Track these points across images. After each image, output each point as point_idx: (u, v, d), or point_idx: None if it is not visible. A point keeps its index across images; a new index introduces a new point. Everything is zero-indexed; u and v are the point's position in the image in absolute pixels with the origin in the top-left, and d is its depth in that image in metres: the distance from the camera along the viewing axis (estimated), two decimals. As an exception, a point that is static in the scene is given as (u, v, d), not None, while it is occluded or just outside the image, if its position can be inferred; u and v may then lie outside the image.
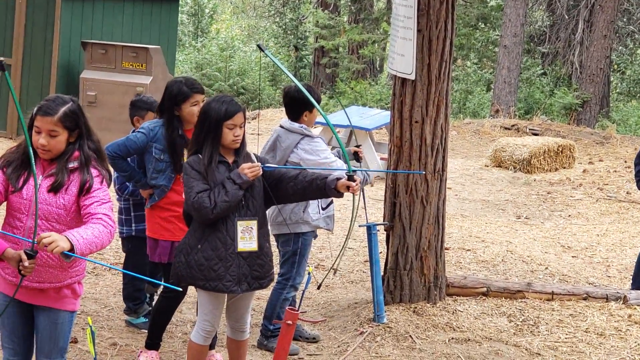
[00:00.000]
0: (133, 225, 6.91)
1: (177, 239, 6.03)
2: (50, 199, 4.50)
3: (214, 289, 5.41)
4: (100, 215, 4.43)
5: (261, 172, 5.41)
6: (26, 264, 4.22)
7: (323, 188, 5.42)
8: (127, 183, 6.72)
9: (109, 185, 4.65)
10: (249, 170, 5.35)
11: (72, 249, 4.15)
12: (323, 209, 6.71)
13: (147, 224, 6.35)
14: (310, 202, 6.59)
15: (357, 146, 6.90)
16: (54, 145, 4.53)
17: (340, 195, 5.47)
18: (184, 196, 5.52)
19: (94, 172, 4.57)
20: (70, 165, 4.55)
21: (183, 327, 7.10)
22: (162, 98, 6.25)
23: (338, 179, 5.40)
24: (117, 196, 6.93)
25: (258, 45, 5.60)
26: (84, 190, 4.51)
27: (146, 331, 6.51)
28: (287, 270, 6.73)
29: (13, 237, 4.45)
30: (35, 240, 4.17)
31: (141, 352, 6.31)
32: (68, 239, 4.16)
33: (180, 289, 5.65)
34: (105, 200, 4.53)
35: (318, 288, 6.76)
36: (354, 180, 5.37)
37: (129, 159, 6.33)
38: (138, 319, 7.03)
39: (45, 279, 4.56)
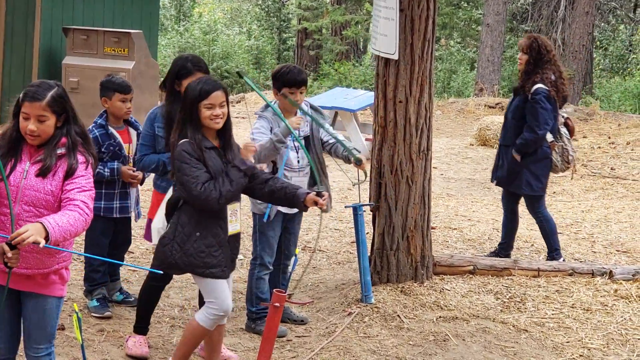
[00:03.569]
0: None
1: None
2: (38, 184, 4.49)
3: (213, 275, 5.37)
4: (78, 202, 4.44)
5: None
6: (9, 255, 4.22)
7: (292, 199, 5.49)
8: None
9: (94, 171, 4.64)
10: (248, 151, 5.42)
11: (47, 236, 4.18)
12: None
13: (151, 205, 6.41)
14: None
15: (358, 163, 6.79)
16: (43, 130, 4.52)
17: (305, 209, 5.61)
18: (177, 185, 5.43)
19: (80, 157, 4.57)
20: (58, 151, 4.54)
21: (170, 311, 7.10)
22: (167, 72, 6.30)
23: (307, 193, 5.46)
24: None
25: (238, 72, 5.66)
26: (68, 174, 4.50)
27: (129, 315, 6.50)
28: (254, 250, 6.79)
29: None
30: (9, 237, 4.18)
31: (129, 337, 6.30)
32: (44, 226, 4.18)
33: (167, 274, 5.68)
34: (87, 188, 4.52)
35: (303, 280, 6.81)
36: (322, 197, 5.44)
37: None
38: (91, 301, 6.90)
39: (32, 265, 4.55)
